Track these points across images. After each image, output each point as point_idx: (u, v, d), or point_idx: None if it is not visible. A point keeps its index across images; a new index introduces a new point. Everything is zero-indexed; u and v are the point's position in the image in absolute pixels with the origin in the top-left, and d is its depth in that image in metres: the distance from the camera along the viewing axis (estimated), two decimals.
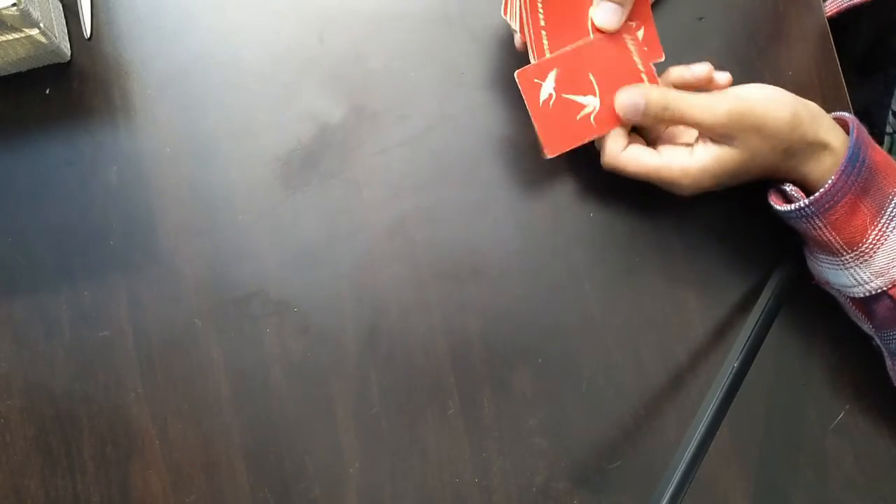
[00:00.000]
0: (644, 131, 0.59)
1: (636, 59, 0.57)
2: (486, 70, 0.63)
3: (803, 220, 0.54)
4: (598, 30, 0.57)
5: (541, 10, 0.56)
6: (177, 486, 0.60)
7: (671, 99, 0.54)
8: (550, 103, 0.57)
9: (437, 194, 0.62)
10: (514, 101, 0.63)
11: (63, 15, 0.63)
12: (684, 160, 0.55)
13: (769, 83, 0.55)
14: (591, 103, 0.57)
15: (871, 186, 0.53)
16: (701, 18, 0.63)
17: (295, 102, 0.63)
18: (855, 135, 0.53)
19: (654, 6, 0.61)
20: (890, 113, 0.68)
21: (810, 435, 0.60)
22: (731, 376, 0.54)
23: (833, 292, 0.59)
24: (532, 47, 0.57)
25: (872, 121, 0.71)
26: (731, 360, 0.55)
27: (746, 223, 0.62)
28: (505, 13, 0.58)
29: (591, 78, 0.57)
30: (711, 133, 0.54)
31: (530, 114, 0.57)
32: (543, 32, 0.57)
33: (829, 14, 0.68)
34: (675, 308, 0.61)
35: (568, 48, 0.57)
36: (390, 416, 0.60)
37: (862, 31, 0.69)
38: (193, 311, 0.61)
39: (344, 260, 0.62)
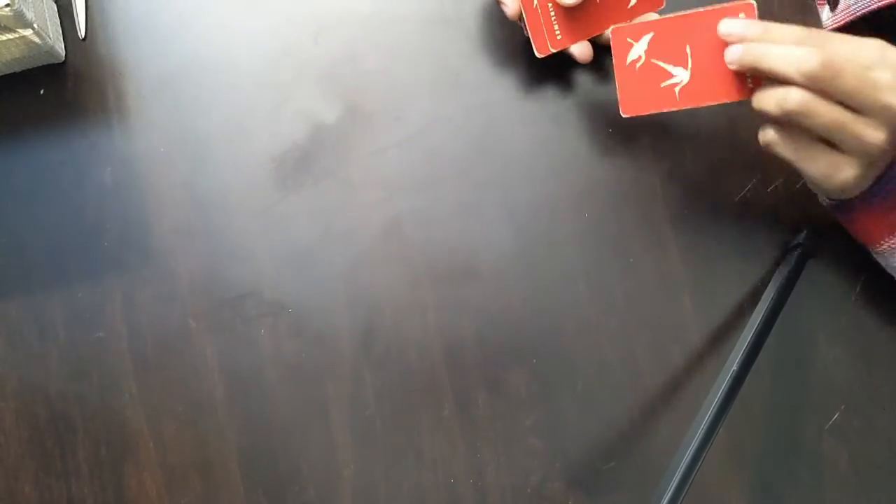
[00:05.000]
0: None
1: None
2: (481, 71, 0.63)
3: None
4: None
5: None
6: (171, 487, 0.59)
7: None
8: (637, 65, 0.55)
9: (431, 195, 0.62)
10: (509, 101, 0.63)
11: (57, 15, 0.63)
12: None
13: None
14: (680, 75, 0.55)
15: None
16: None
17: (290, 103, 0.63)
18: None
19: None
20: None
21: (805, 435, 0.60)
22: (730, 379, 0.54)
23: None
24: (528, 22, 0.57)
25: None
26: (731, 364, 0.55)
27: (742, 224, 0.62)
28: None
29: (688, 50, 0.54)
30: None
31: (614, 70, 0.56)
32: (550, 5, 0.57)
33: (833, 27, 0.67)
34: (669, 309, 0.61)
35: (671, 15, 0.54)
36: (385, 417, 0.60)
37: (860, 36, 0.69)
38: (188, 311, 0.61)
39: (338, 260, 0.61)
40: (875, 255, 0.58)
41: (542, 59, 0.59)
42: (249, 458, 0.60)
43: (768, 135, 0.52)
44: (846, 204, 0.55)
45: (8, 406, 0.60)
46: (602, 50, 0.61)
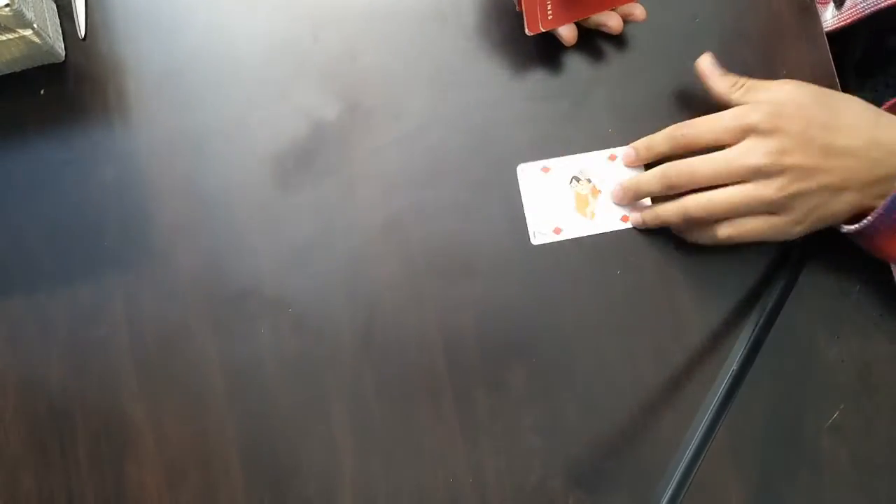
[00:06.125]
0: None
1: None
2: (479, 68, 0.63)
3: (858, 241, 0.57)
4: None
5: None
6: (171, 482, 0.60)
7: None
8: None
9: (430, 192, 0.62)
10: (508, 98, 0.63)
11: (57, 15, 0.63)
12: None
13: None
14: None
15: None
16: (696, 18, 0.63)
17: (289, 100, 0.63)
18: None
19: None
20: None
21: (805, 434, 0.60)
22: (730, 379, 0.54)
23: None
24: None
25: None
26: (731, 363, 0.55)
27: None
28: None
29: None
30: None
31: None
32: None
33: (834, 28, 0.67)
34: (669, 307, 0.61)
35: None
36: (385, 414, 0.60)
37: (859, 35, 0.68)
38: (189, 308, 0.61)
39: (338, 257, 0.62)
40: None
41: (532, 36, 0.60)
42: (250, 454, 0.60)
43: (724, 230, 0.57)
44: (867, 229, 0.54)
45: (8, 402, 0.61)
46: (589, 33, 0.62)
